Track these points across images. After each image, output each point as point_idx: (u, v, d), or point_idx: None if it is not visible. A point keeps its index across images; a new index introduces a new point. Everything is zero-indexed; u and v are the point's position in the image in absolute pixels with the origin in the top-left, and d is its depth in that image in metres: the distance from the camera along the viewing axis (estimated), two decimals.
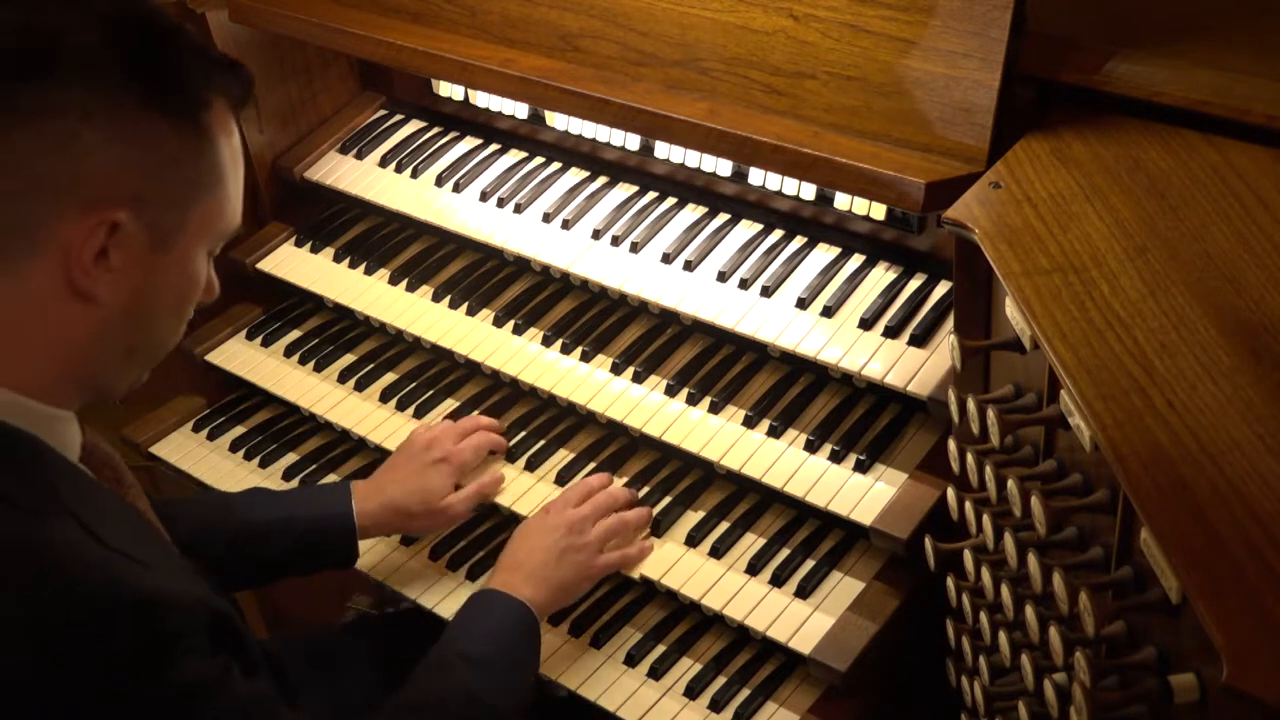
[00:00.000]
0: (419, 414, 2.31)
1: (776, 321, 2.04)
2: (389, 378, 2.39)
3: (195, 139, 1.38)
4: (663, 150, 2.27)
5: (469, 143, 2.55)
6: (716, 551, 1.99)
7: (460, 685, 1.74)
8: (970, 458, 1.56)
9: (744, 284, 2.10)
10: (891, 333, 1.98)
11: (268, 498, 2.10)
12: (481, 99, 2.50)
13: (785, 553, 1.98)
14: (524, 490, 2.14)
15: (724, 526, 2.03)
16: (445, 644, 1.82)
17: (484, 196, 2.41)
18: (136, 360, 1.46)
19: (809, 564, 1.95)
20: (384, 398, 2.35)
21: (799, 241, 2.17)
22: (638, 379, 2.15)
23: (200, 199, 1.40)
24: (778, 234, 2.19)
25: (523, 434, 2.23)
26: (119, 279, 1.35)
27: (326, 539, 2.03)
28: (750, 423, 2.04)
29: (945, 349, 1.89)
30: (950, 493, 1.65)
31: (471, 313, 2.34)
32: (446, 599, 2.10)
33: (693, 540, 2.02)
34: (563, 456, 2.19)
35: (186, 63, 1.37)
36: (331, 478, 2.34)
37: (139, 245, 1.35)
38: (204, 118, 1.38)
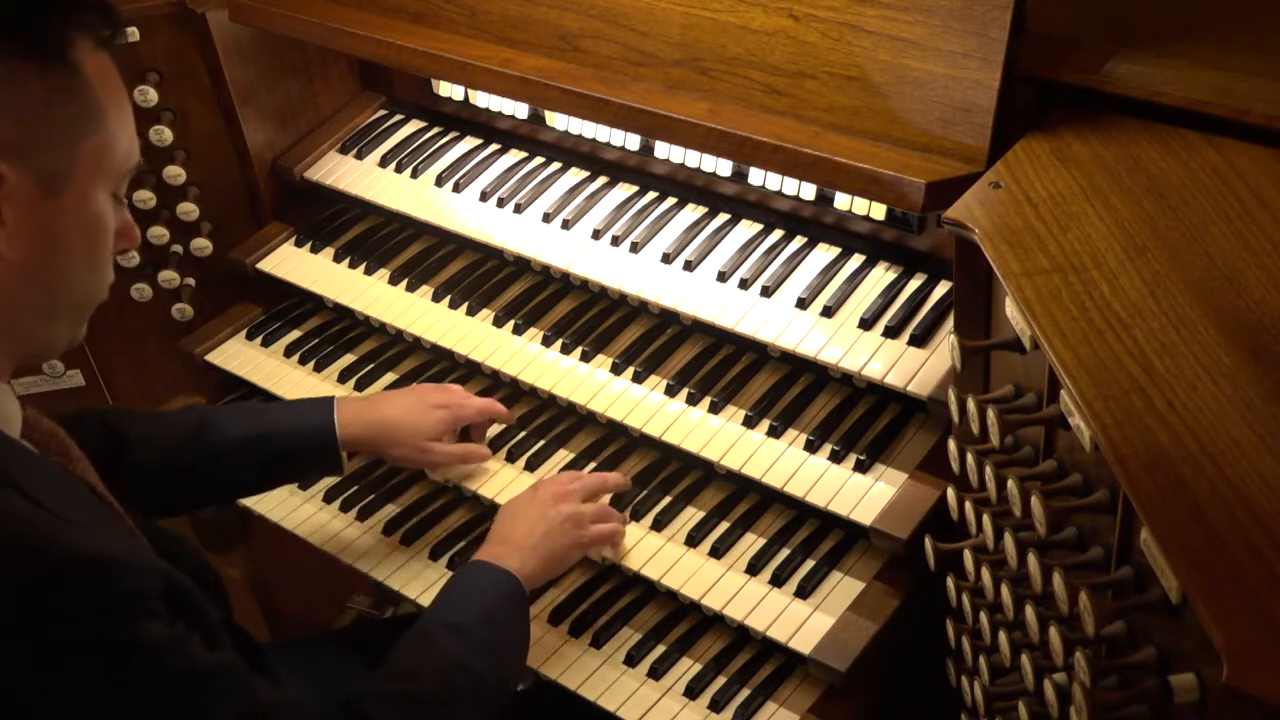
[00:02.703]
0: None
1: (776, 321, 2.04)
2: (389, 378, 2.39)
3: (64, 78, 1.37)
4: (663, 150, 2.27)
5: (469, 143, 2.55)
6: (716, 551, 1.99)
7: (447, 653, 1.72)
8: (970, 458, 1.56)
9: (744, 284, 2.10)
10: (891, 333, 1.98)
11: (248, 412, 2.10)
12: (481, 99, 2.51)
13: (785, 553, 1.98)
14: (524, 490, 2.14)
15: (724, 526, 2.03)
16: (429, 615, 1.81)
17: (484, 196, 2.41)
18: (61, 315, 1.45)
19: (809, 564, 1.95)
20: None
21: (799, 241, 2.17)
22: (638, 379, 2.15)
23: (83, 138, 1.39)
24: (778, 234, 2.19)
25: (523, 434, 2.23)
26: (15, 232, 1.35)
27: (307, 453, 2.04)
28: (750, 423, 2.04)
29: (945, 349, 1.89)
30: (950, 493, 1.65)
31: (471, 313, 2.34)
32: None
33: (693, 540, 2.02)
34: (563, 456, 2.19)
35: (41, 4, 1.36)
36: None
37: (28, 195, 1.35)
38: (70, 56, 1.37)
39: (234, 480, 2.06)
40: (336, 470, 2.08)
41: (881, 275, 2.08)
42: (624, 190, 2.35)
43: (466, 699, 1.71)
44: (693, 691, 1.92)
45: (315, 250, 2.56)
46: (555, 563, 1.94)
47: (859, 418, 2.03)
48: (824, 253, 2.14)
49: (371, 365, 2.42)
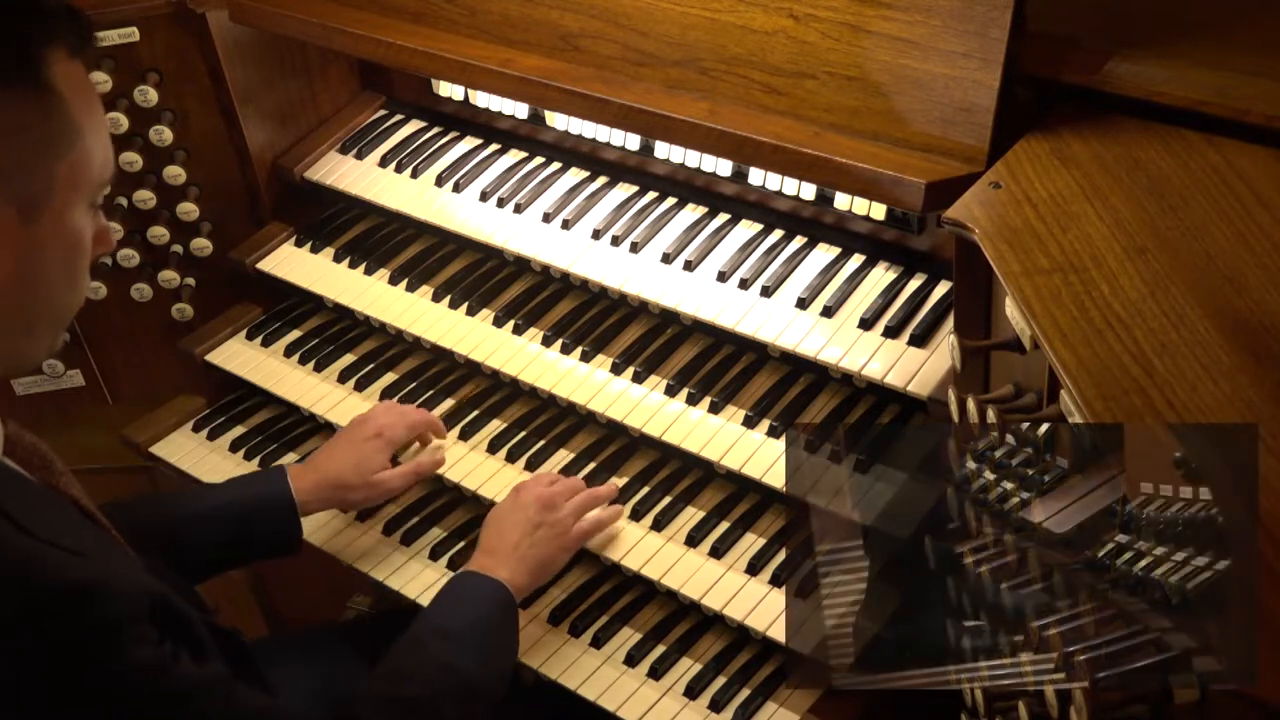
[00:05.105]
0: None
1: (776, 321, 2.04)
2: (389, 378, 2.39)
3: (40, 99, 1.33)
4: (663, 150, 2.27)
5: (469, 143, 2.55)
6: (716, 551, 1.99)
7: (436, 658, 1.74)
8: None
9: (744, 284, 2.10)
10: (891, 333, 1.98)
11: (202, 489, 2.09)
12: (481, 99, 2.50)
13: (785, 553, 1.97)
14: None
15: (724, 526, 2.03)
16: (420, 622, 1.83)
17: (484, 196, 2.41)
18: (40, 330, 1.43)
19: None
20: (384, 398, 2.35)
21: (799, 241, 2.17)
22: (638, 379, 2.15)
23: (60, 157, 1.35)
24: (778, 234, 2.19)
25: (523, 434, 2.23)
26: None
27: (268, 518, 2.02)
28: (750, 423, 2.04)
29: (945, 349, 1.89)
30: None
31: (471, 313, 2.34)
32: None
33: (693, 540, 2.02)
34: (563, 456, 2.19)
35: (13, 23, 1.32)
36: None
37: (6, 221, 1.32)
38: (44, 75, 1.33)
39: (192, 556, 1.96)
40: (295, 543, 2.05)
41: (881, 275, 2.08)
42: (624, 190, 2.35)
43: (454, 703, 1.73)
44: (693, 691, 1.92)
45: (315, 250, 2.56)
46: (543, 571, 1.97)
47: (859, 418, 2.02)
48: (824, 253, 2.14)
49: (371, 365, 2.42)
